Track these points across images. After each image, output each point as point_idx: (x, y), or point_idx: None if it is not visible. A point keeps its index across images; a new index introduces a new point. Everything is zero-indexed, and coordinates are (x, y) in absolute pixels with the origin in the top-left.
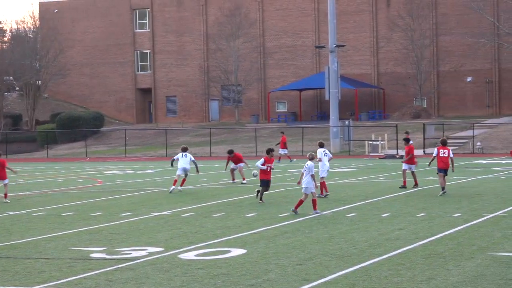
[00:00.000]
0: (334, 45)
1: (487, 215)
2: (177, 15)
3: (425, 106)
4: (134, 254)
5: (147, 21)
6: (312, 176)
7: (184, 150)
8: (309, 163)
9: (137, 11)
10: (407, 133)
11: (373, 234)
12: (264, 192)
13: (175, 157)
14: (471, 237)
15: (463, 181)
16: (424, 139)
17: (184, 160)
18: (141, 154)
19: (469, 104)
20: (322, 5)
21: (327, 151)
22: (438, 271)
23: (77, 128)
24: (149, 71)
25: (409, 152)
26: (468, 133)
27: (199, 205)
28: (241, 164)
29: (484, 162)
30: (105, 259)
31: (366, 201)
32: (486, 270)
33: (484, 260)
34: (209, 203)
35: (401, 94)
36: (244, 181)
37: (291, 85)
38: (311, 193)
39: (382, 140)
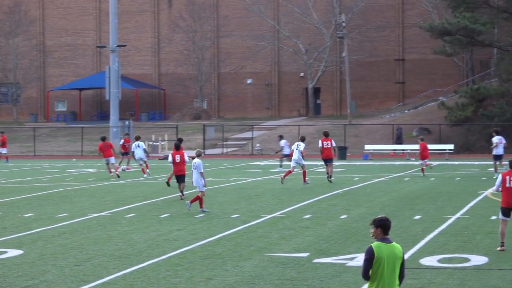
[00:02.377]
0: (115, 45)
1: (265, 216)
2: None
3: (206, 108)
4: None
5: None
6: (201, 173)
7: (137, 139)
8: (196, 160)
9: None
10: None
11: (152, 235)
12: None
13: (132, 149)
14: (249, 238)
15: (242, 182)
16: (204, 140)
17: (138, 151)
18: None
19: (249, 106)
20: (103, 4)
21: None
22: (216, 272)
23: None
24: None
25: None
26: (248, 134)
27: None
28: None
29: (262, 163)
30: None
31: (146, 202)
32: (264, 271)
33: (262, 260)
34: None
35: (182, 95)
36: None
37: (71, 84)
38: (200, 191)
39: (162, 141)
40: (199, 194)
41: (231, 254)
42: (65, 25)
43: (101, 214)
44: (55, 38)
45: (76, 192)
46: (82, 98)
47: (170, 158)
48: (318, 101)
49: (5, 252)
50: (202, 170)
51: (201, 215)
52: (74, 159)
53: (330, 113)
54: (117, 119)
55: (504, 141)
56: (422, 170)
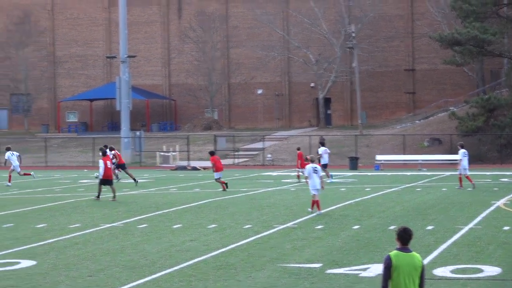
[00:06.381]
0: (126, 56)
1: (278, 227)
2: None
3: (216, 118)
4: None
5: None
6: (321, 177)
7: (8, 149)
8: (316, 166)
9: None
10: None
11: (165, 246)
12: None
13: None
14: (261, 248)
15: (253, 193)
16: (215, 150)
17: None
18: None
19: (259, 116)
20: (113, 15)
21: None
22: (230, 282)
23: None
24: None
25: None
26: (259, 145)
27: None
28: None
29: (274, 174)
30: None
31: (158, 212)
32: (277, 281)
33: (275, 271)
34: None
35: (192, 105)
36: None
37: (82, 94)
38: (314, 195)
39: (173, 152)
40: (317, 199)
41: (244, 265)
42: (75, 35)
43: (113, 224)
44: (65, 49)
45: (87, 202)
46: (93, 108)
47: (102, 164)
48: (329, 112)
49: (18, 262)
50: (322, 174)
51: (213, 225)
52: (85, 170)
53: (341, 124)
54: (128, 130)
55: (329, 151)
56: (298, 177)
